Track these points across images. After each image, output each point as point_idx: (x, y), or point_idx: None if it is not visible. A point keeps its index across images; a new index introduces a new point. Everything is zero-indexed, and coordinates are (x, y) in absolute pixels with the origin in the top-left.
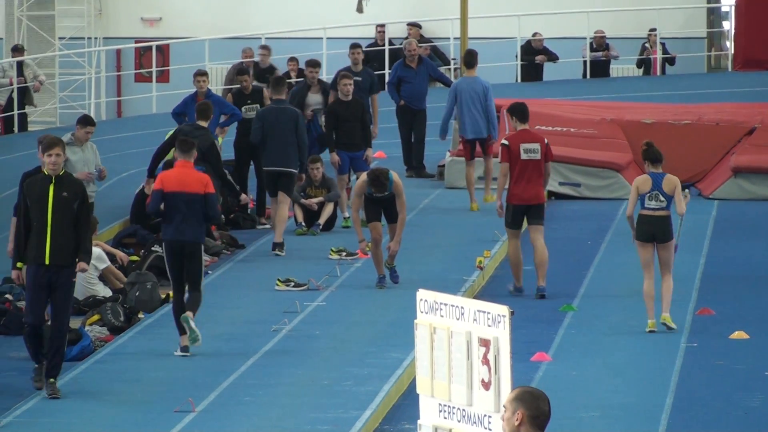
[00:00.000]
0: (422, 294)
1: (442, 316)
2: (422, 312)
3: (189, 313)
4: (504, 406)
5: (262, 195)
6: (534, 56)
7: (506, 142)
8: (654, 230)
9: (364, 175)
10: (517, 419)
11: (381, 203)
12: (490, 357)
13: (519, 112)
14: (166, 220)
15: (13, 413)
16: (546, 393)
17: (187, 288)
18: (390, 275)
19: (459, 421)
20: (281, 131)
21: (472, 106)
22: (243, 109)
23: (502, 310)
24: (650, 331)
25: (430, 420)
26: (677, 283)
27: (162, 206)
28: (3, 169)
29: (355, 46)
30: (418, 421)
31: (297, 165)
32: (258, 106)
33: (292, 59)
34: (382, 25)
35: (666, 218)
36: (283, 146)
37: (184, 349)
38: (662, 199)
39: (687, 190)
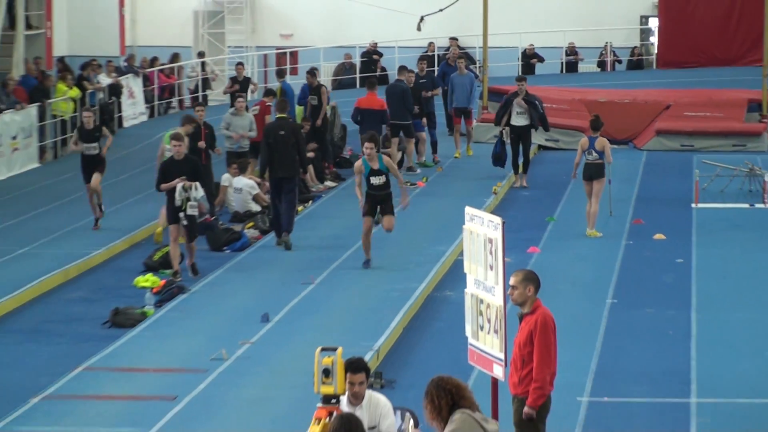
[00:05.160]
0: (468, 210)
1: (473, 221)
2: (468, 221)
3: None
4: (514, 286)
5: None
6: (530, 59)
7: None
8: (591, 172)
9: (358, 163)
10: (529, 291)
11: (377, 200)
12: (493, 251)
13: None
14: (362, 126)
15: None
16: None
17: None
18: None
19: (481, 290)
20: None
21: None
22: None
23: (497, 219)
24: (591, 236)
25: (470, 290)
26: (621, 203)
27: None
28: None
29: (422, 59)
30: (465, 290)
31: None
32: None
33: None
34: (432, 42)
35: (598, 164)
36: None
37: None
38: (595, 153)
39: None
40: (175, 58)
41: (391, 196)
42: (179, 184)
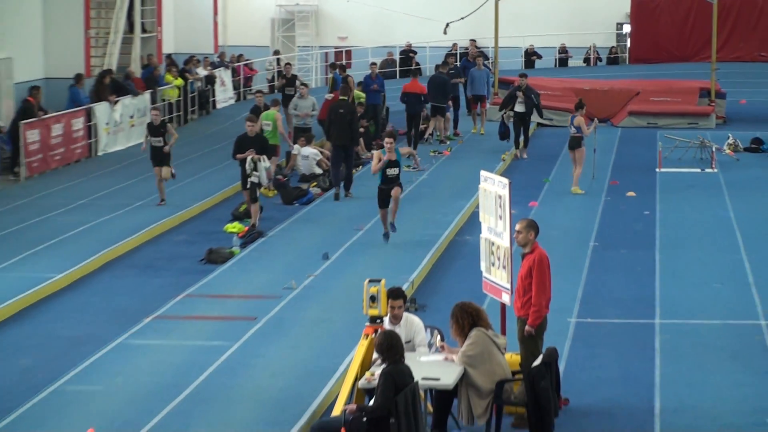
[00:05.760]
0: (482, 173)
1: (486, 182)
2: (482, 181)
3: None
4: (518, 231)
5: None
6: (530, 56)
7: None
8: (572, 144)
9: (379, 152)
10: (531, 235)
11: (387, 191)
12: (502, 205)
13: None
14: (408, 104)
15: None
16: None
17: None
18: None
19: (493, 235)
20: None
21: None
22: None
23: (505, 180)
24: (574, 193)
25: (484, 234)
26: (601, 168)
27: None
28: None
29: (450, 55)
30: (480, 235)
31: (442, 101)
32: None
33: (414, 52)
34: (455, 43)
35: (578, 137)
36: (442, 91)
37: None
38: (574, 129)
39: (596, 119)
40: (276, 53)
41: (398, 178)
42: (249, 156)
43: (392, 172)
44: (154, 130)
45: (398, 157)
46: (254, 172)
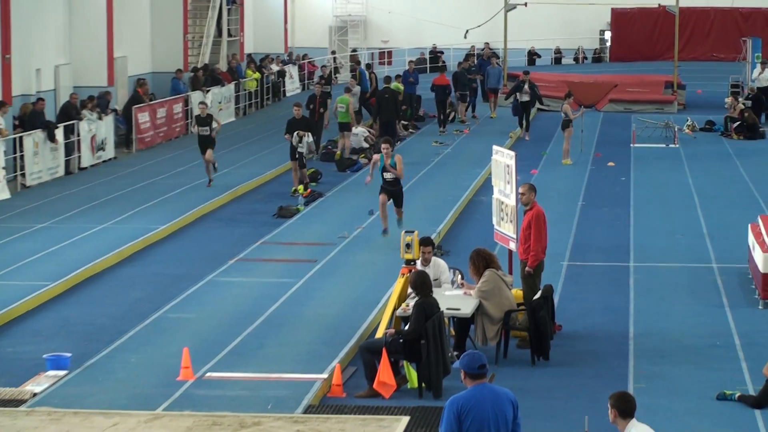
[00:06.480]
0: (494, 147)
1: (497, 154)
2: (494, 153)
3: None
4: (522, 193)
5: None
6: (532, 56)
7: None
8: (563, 124)
9: (377, 156)
10: (532, 195)
11: (389, 193)
12: (509, 172)
13: None
14: (436, 93)
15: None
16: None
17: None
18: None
19: (502, 196)
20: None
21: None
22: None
23: (512, 153)
24: (565, 164)
25: (495, 195)
26: (587, 144)
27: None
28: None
29: (470, 56)
30: (492, 195)
31: (465, 90)
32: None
33: (441, 52)
34: (473, 45)
35: (566, 120)
36: (464, 83)
37: None
38: (562, 114)
39: (582, 107)
40: (353, 58)
41: (401, 193)
42: (295, 133)
43: (389, 176)
44: (202, 121)
45: (392, 161)
46: (299, 145)
